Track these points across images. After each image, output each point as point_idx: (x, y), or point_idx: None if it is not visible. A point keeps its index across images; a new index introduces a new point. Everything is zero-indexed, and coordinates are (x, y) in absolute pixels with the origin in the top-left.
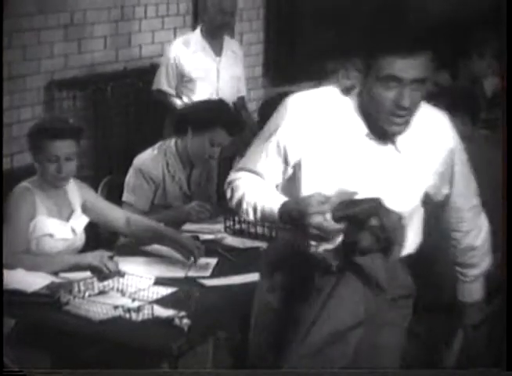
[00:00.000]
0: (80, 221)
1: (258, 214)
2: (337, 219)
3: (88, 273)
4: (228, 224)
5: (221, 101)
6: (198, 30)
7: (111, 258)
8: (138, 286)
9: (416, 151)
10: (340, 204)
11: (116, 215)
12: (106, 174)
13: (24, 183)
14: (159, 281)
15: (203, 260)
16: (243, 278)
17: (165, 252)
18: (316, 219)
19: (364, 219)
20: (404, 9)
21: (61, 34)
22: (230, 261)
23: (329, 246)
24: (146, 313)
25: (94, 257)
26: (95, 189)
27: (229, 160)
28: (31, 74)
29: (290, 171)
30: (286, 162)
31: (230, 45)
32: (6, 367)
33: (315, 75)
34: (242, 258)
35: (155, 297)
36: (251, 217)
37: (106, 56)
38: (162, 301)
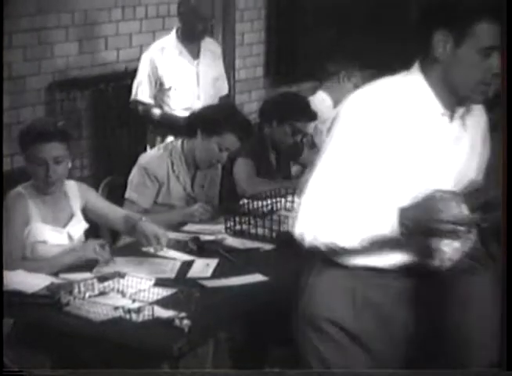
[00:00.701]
0: (78, 226)
1: (367, 243)
2: (472, 209)
3: (88, 274)
4: (228, 225)
5: (232, 106)
6: (173, 34)
7: (103, 246)
8: (139, 287)
9: (473, 128)
10: (471, 194)
11: (117, 215)
12: (107, 174)
13: (18, 188)
14: (159, 282)
15: (203, 261)
16: (243, 279)
17: (166, 253)
18: (453, 211)
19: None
20: (403, 8)
21: (62, 34)
22: (231, 262)
23: (465, 246)
24: (146, 314)
25: (86, 249)
26: (96, 189)
27: (230, 162)
28: (32, 74)
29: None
30: (373, 166)
31: (207, 45)
32: (6, 367)
33: (316, 76)
34: (242, 259)
35: (155, 298)
36: (357, 247)
37: (106, 57)
38: (162, 302)
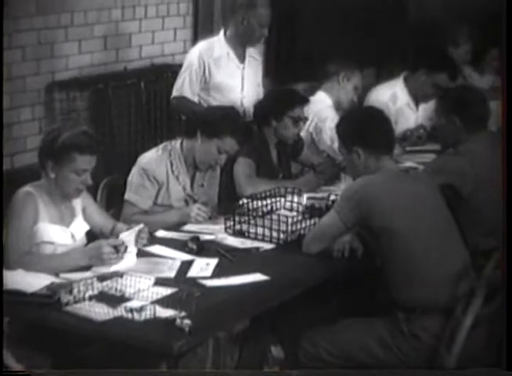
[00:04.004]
0: (80, 227)
1: None
2: None
3: (88, 273)
4: (228, 224)
5: (233, 109)
6: (221, 36)
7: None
8: (138, 286)
9: None
10: None
11: (107, 226)
12: (107, 174)
13: (27, 188)
14: (159, 281)
15: (203, 260)
16: (243, 278)
17: (165, 253)
18: None
19: None
20: (403, 9)
21: (61, 34)
22: (230, 261)
23: None
24: (148, 313)
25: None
26: (95, 189)
27: (231, 161)
28: (31, 74)
29: None
30: None
31: (251, 51)
32: (6, 367)
33: (316, 76)
34: (242, 259)
35: (155, 297)
36: None
37: (106, 57)
38: (163, 302)
